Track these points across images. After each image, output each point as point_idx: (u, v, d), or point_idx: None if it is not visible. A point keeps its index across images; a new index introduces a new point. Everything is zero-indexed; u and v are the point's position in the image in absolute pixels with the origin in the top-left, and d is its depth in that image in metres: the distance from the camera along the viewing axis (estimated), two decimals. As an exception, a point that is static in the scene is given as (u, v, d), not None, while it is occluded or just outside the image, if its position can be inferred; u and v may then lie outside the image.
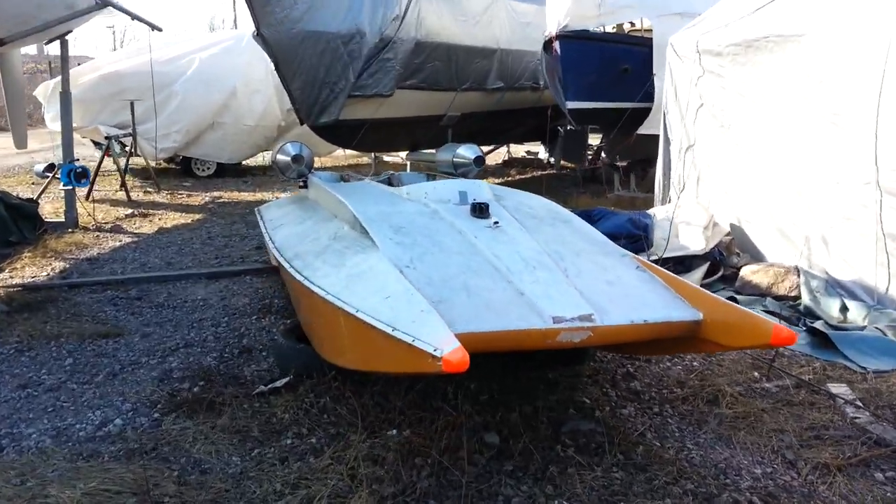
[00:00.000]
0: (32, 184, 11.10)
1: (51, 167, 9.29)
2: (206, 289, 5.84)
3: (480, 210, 3.75)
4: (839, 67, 5.13)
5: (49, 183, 9.40)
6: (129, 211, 9.34)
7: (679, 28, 7.27)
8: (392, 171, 6.43)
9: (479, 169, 5.99)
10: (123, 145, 11.11)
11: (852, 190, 5.03)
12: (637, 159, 10.65)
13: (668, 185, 7.26)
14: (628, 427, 3.41)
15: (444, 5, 9.66)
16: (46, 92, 11.91)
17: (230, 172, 12.91)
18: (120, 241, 7.67)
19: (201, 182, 12.19)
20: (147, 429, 3.42)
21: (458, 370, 2.27)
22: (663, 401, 3.73)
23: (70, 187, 8.10)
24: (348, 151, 14.29)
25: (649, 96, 8.79)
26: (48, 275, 6.26)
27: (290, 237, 4.51)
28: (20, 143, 9.87)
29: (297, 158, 5.70)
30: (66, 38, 8.41)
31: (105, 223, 8.48)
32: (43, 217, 8.00)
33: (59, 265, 6.58)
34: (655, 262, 4.60)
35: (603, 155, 12.39)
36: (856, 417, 3.50)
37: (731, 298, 4.81)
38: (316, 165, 6.12)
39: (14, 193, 8.83)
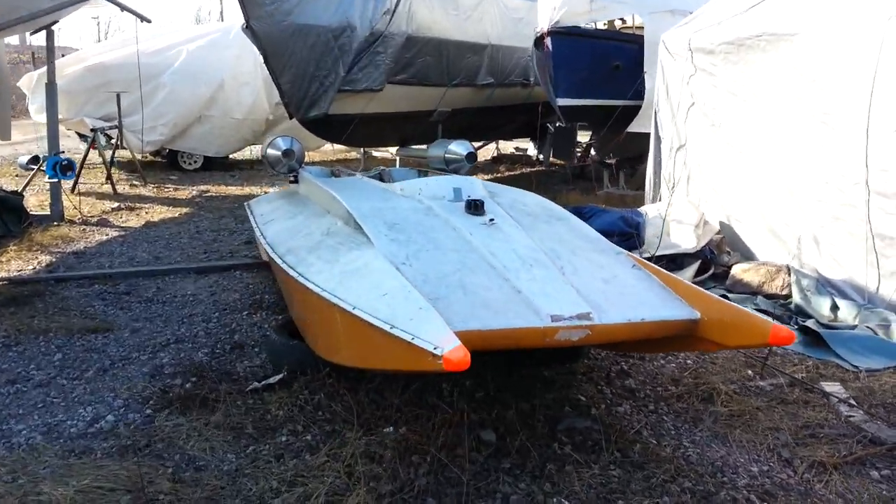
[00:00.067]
0: (16, 175, 10.95)
1: (35, 159, 9.18)
2: (196, 284, 5.78)
3: (475, 207, 3.73)
4: (831, 67, 5.15)
5: (34, 175, 9.28)
6: (116, 204, 9.23)
7: (671, 25, 7.28)
8: (383, 167, 6.39)
9: (471, 165, 5.96)
10: (109, 138, 10.96)
11: (843, 190, 5.06)
12: (627, 157, 10.65)
13: (658, 182, 7.27)
14: (624, 425, 3.42)
15: (436, 0, 9.63)
16: (31, 83, 11.76)
17: (217, 166, 12.78)
18: (107, 234, 7.58)
19: (188, 175, 12.07)
20: (140, 425, 3.38)
21: (458, 369, 2.24)
22: (658, 398, 3.74)
23: (56, 180, 8.01)
24: (336, 146, 14.25)
25: (640, 94, 8.79)
26: (34, 268, 6.17)
27: (281, 232, 4.44)
28: (4, 134, 9.68)
29: (287, 153, 5.62)
30: (52, 28, 8.29)
31: (91, 216, 8.38)
32: (28, 210, 7.90)
33: (45, 259, 6.49)
34: (649, 259, 4.61)
35: (592, 152, 12.38)
36: (850, 416, 3.52)
37: (723, 296, 4.81)
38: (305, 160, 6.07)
39: (-2, 186, 8.74)
